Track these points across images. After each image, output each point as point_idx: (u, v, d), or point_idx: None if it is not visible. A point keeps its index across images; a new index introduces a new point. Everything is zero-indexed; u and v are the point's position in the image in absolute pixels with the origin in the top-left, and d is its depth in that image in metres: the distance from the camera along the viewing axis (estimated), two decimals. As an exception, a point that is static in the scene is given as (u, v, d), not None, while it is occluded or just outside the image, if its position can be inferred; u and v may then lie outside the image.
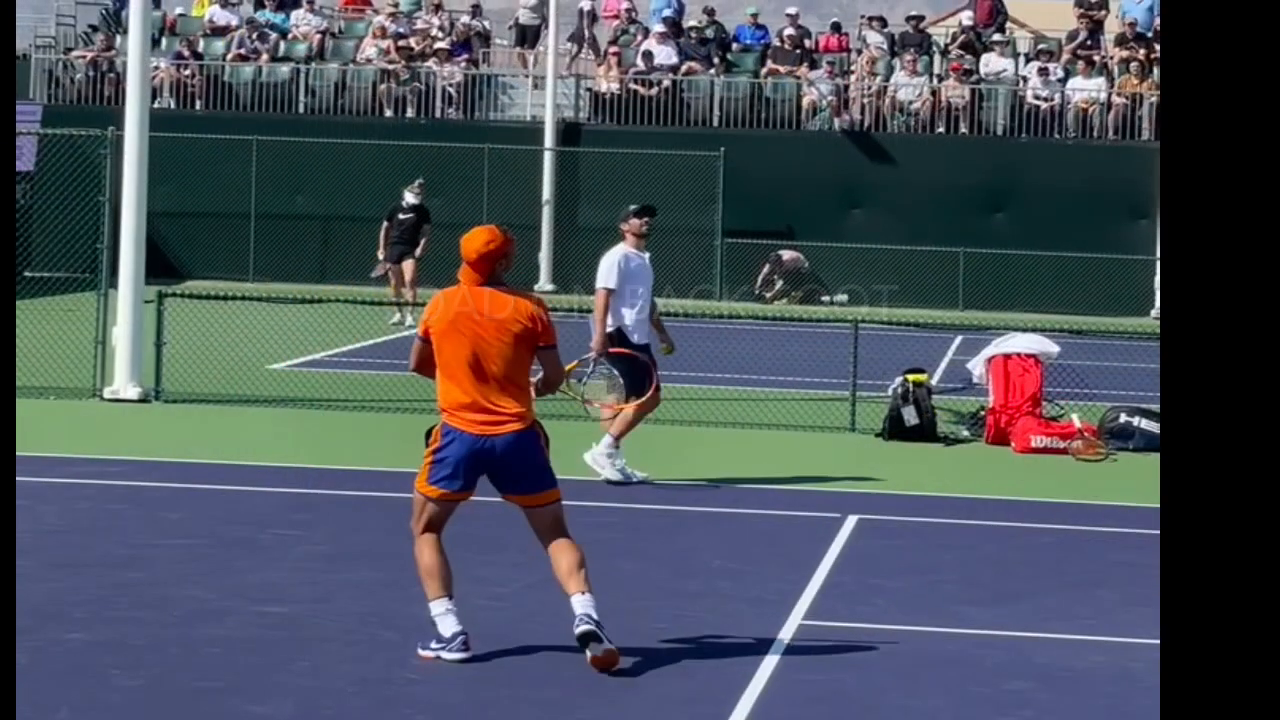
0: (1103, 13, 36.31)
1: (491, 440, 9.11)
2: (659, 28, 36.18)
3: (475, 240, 9.22)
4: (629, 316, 14.48)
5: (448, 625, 9.19)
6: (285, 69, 36.02)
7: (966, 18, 36.87)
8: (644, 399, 14.42)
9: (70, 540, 12.07)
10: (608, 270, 14.52)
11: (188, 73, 35.88)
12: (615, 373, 14.56)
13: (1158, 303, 29.22)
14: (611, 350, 14.41)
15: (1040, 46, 36.06)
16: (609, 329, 14.46)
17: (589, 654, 9.05)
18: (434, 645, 9.25)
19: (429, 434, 9.31)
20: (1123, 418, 17.46)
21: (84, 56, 36.36)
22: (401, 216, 27.34)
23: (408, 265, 26.99)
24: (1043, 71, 34.42)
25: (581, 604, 9.08)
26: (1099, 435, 17.20)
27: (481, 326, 9.14)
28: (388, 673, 9.07)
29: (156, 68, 33.70)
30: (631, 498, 14.18)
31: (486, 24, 38.45)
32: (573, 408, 15.14)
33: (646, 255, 14.75)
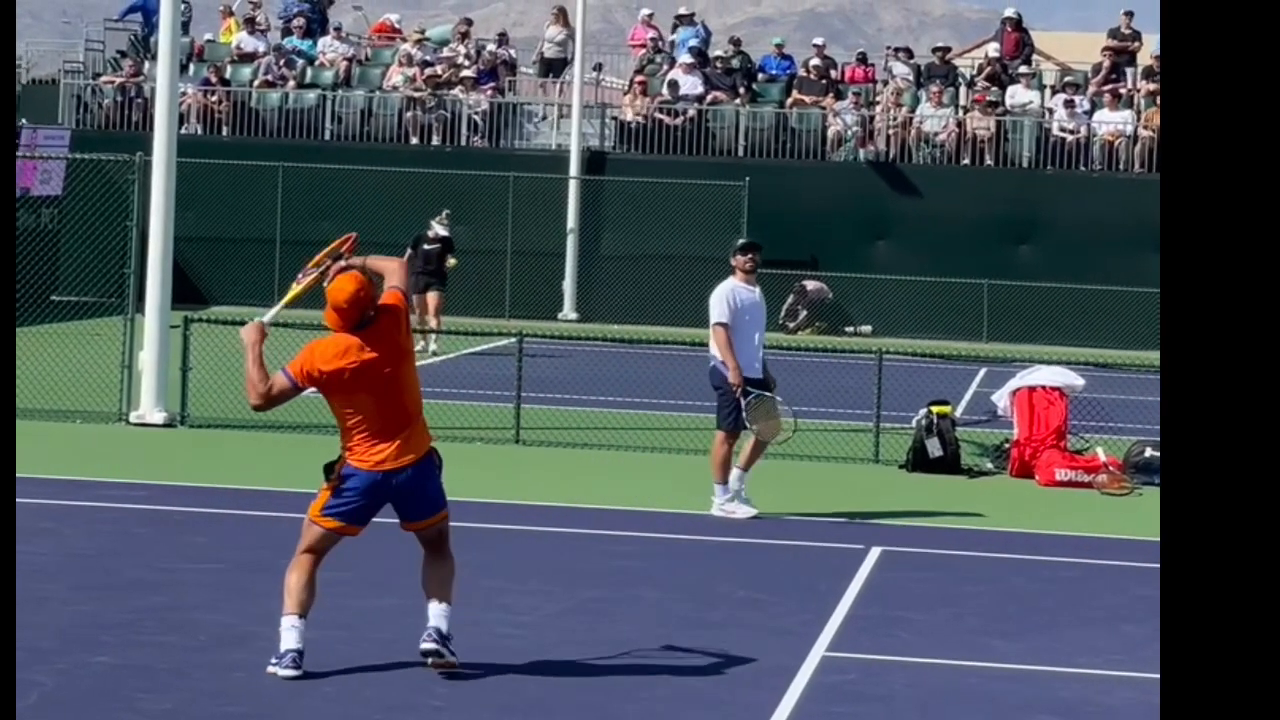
0: (1135, 44, 36.30)
1: (392, 475, 9.41)
2: (685, 58, 36.20)
3: (345, 290, 9.64)
4: (742, 350, 14.39)
5: (289, 640, 9.35)
6: (312, 95, 36.14)
7: (993, 49, 36.86)
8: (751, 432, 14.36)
9: (96, 564, 12.10)
10: (718, 305, 14.41)
11: (215, 99, 36.02)
12: (771, 397, 14.47)
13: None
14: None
15: (1066, 79, 36.07)
16: (714, 363, 14.43)
17: (430, 661, 9.41)
18: (273, 660, 9.40)
19: (330, 468, 9.51)
20: (1148, 452, 17.40)
21: (112, 82, 36.53)
22: (427, 247, 27.39)
23: (432, 296, 27.12)
24: (1069, 104, 34.41)
25: (436, 613, 9.42)
26: (1124, 469, 17.17)
27: (377, 370, 9.45)
28: (413, 699, 9.08)
29: (184, 94, 33.83)
30: (653, 527, 14.19)
31: (513, 52, 38.54)
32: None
33: (757, 290, 14.71)
